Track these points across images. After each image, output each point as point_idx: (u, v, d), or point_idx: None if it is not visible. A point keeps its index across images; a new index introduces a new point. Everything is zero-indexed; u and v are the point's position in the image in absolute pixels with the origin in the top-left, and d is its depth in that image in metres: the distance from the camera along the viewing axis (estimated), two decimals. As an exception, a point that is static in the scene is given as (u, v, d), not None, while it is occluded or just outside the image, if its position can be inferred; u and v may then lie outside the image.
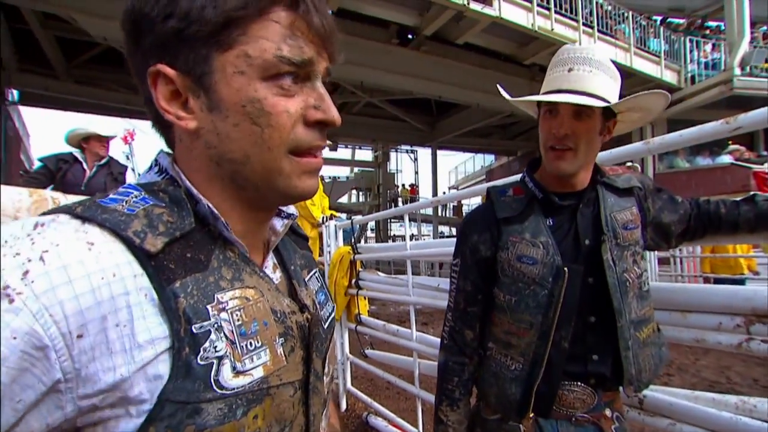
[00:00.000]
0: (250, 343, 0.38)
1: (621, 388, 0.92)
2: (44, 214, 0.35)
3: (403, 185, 17.72)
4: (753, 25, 9.34)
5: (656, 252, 4.20)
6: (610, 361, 0.86)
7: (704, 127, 0.97)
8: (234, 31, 0.38)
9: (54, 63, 8.34)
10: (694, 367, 3.84)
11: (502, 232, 0.90)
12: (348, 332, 2.91)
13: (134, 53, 0.40)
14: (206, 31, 0.37)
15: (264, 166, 0.40)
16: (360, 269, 2.79)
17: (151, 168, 0.44)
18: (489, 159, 19.19)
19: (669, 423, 1.06)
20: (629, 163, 1.22)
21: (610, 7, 8.75)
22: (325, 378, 0.50)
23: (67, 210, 0.35)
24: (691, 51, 9.74)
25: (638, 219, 0.91)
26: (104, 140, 3.02)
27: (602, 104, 0.81)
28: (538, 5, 7.42)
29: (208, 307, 0.36)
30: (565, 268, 0.83)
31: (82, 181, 2.94)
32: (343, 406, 2.88)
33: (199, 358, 0.34)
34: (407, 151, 17.56)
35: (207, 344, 0.35)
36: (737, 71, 8.71)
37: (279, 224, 0.49)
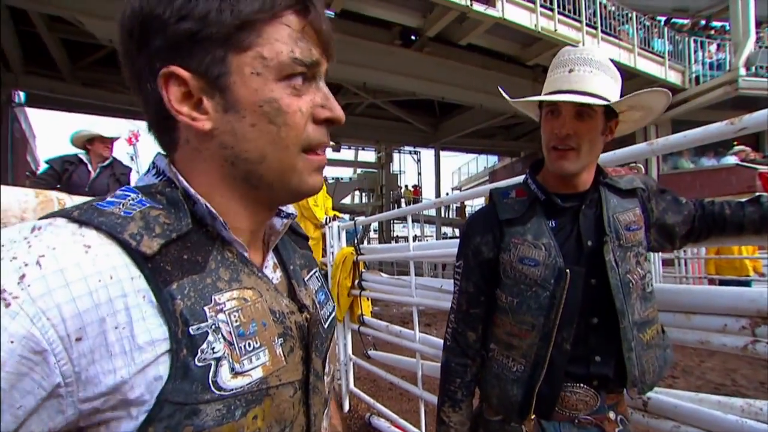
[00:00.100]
0: (249, 344, 0.38)
1: (625, 391, 0.91)
2: (42, 218, 0.35)
3: (406, 186, 17.73)
4: (758, 25, 9.27)
5: (660, 253, 4.18)
6: (613, 362, 0.85)
7: (709, 128, 0.97)
8: (250, 34, 0.38)
9: (60, 65, 8.41)
10: (699, 369, 3.81)
11: (505, 234, 0.90)
12: (351, 333, 2.92)
13: (137, 55, 0.40)
14: (223, 34, 0.38)
15: (280, 165, 0.41)
16: (363, 270, 2.79)
17: (148, 170, 0.44)
18: (492, 160, 19.16)
19: (673, 425, 1.06)
20: (632, 164, 1.22)
21: (613, 8, 8.72)
22: (325, 378, 0.50)
23: (64, 214, 0.35)
24: (695, 51, 9.69)
25: (641, 220, 0.91)
26: (108, 142, 3.05)
27: (603, 103, 0.81)
28: (542, 6, 7.41)
29: (206, 308, 0.36)
30: (567, 270, 0.83)
31: (87, 183, 2.96)
32: (346, 407, 2.88)
33: (196, 359, 0.35)
34: (410, 152, 17.57)
35: (204, 346, 0.35)
36: (742, 72, 8.65)
37: (279, 224, 0.50)
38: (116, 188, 0.41)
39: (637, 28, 8.94)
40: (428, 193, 18.22)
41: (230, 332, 0.37)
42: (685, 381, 3.48)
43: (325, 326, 0.51)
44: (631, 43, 8.76)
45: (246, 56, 0.39)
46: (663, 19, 10.84)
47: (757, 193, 0.99)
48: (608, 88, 0.83)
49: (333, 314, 0.55)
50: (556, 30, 7.60)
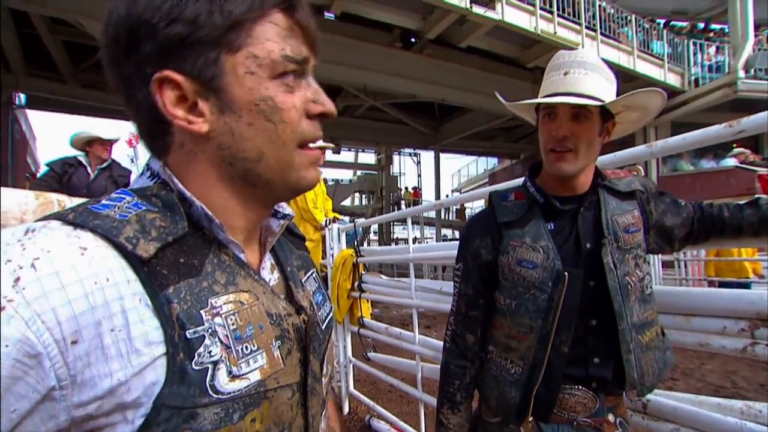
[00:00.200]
0: (246, 347, 0.38)
1: (624, 393, 0.91)
2: (36, 221, 0.35)
3: (406, 188, 17.75)
4: (757, 27, 9.30)
5: (660, 255, 4.18)
6: (612, 364, 0.85)
7: (707, 131, 0.97)
8: (240, 34, 0.39)
9: (61, 67, 8.44)
10: (699, 371, 3.81)
11: (503, 237, 0.90)
12: (351, 335, 2.91)
13: (125, 62, 0.39)
14: (214, 35, 0.38)
15: (278, 161, 0.42)
16: (363, 272, 2.79)
17: (143, 173, 0.44)
18: (492, 162, 19.18)
19: (673, 428, 1.05)
20: (631, 166, 1.22)
21: (612, 11, 8.75)
22: (323, 379, 0.50)
23: (59, 216, 0.35)
24: (694, 54, 9.72)
25: (640, 222, 0.91)
26: (107, 143, 3.06)
27: (598, 103, 0.82)
28: (541, 9, 7.44)
29: (202, 312, 0.36)
30: (565, 273, 0.83)
31: (86, 185, 2.98)
32: (346, 409, 2.87)
33: (193, 363, 0.34)
34: (410, 154, 17.59)
35: (201, 349, 0.35)
36: (741, 74, 8.68)
37: (275, 224, 0.49)
38: (113, 190, 0.40)
39: (636, 31, 8.97)
40: (428, 195, 18.26)
41: (227, 335, 0.37)
42: (685, 383, 3.47)
43: (323, 327, 0.51)
44: (631, 46, 8.79)
45: (238, 56, 0.39)
46: (662, 21, 10.88)
47: (756, 196, 0.99)
48: (603, 89, 0.84)
49: (330, 315, 0.55)
50: (555, 32, 7.63)
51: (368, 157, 17.86)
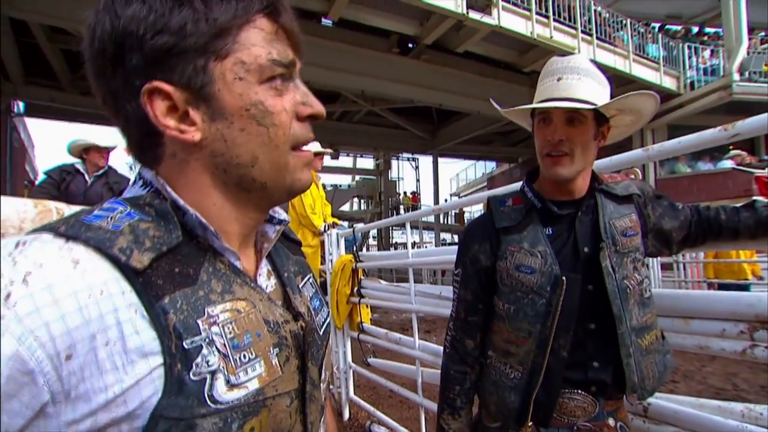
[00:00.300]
0: (244, 356, 0.38)
1: (625, 397, 0.91)
2: (27, 233, 0.34)
3: (405, 193, 17.75)
4: (750, 31, 9.39)
5: (659, 257, 4.18)
6: (611, 368, 0.85)
7: (703, 134, 0.98)
8: (226, 41, 0.39)
9: (59, 75, 8.45)
10: (699, 373, 3.79)
11: (501, 242, 0.91)
12: (350, 341, 2.90)
13: (112, 75, 0.39)
14: (201, 43, 0.38)
15: (272, 164, 0.42)
16: (362, 277, 2.79)
17: (135, 182, 0.43)
18: (490, 166, 19.23)
19: (674, 431, 1.05)
20: (628, 170, 1.23)
21: (607, 15, 8.83)
22: (321, 385, 0.50)
23: (51, 229, 0.34)
24: (689, 57, 9.80)
25: (638, 226, 0.92)
26: (103, 151, 3.07)
27: (591, 107, 0.83)
28: (537, 14, 7.50)
29: (199, 321, 0.36)
30: (563, 278, 0.83)
31: (83, 192, 2.98)
32: (346, 415, 2.85)
33: (191, 373, 0.34)
34: (408, 159, 17.62)
35: (199, 359, 0.35)
36: (736, 77, 8.74)
37: (271, 231, 0.49)
38: (110, 197, 0.40)
39: (631, 35, 9.05)
40: (427, 199, 18.25)
41: (224, 344, 0.37)
42: (686, 385, 3.46)
43: (321, 333, 0.51)
44: (626, 50, 8.86)
45: (226, 63, 0.39)
46: (657, 25, 10.97)
47: (753, 198, 1.00)
48: (596, 93, 0.86)
49: (327, 320, 0.55)
50: (551, 37, 7.68)
51: (367, 162, 17.91)
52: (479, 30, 7.22)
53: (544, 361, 0.83)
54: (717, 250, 4.44)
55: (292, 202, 3.58)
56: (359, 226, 3.04)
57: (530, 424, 0.86)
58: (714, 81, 9.27)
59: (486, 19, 6.90)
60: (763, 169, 8.21)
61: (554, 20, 7.75)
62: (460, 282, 0.97)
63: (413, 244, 2.78)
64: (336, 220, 3.86)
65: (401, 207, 16.68)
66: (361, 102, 10.75)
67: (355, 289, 2.75)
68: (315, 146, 3.59)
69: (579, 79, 0.85)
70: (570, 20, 8.06)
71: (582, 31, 8.17)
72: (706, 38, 11.07)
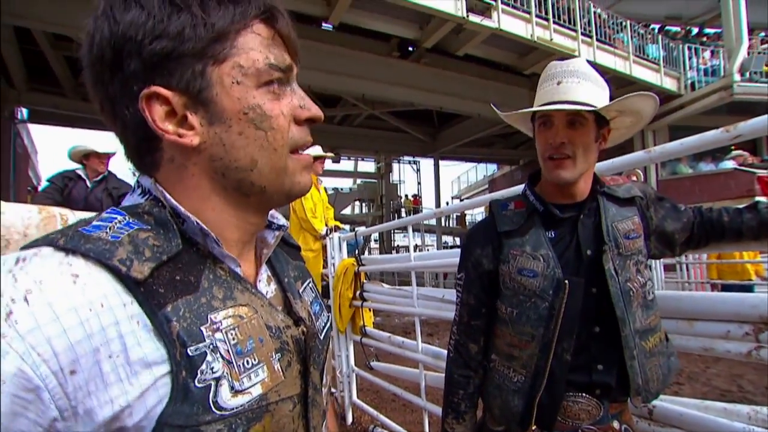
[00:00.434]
0: (247, 362, 0.38)
1: (629, 400, 0.91)
2: (25, 247, 0.34)
3: (406, 196, 17.76)
4: (751, 31, 9.38)
5: (662, 258, 4.17)
6: (615, 371, 0.85)
7: (705, 136, 0.98)
8: (224, 45, 0.39)
9: (63, 81, 8.50)
10: (704, 375, 3.77)
11: (504, 246, 0.91)
12: (353, 344, 2.90)
13: (110, 81, 0.39)
14: (199, 48, 0.38)
15: (271, 168, 0.42)
16: (364, 281, 2.79)
17: (134, 190, 0.44)
18: (491, 168, 19.20)
19: (679, 434, 1.05)
20: (631, 171, 1.23)
21: (607, 17, 8.84)
22: (323, 389, 0.50)
23: (50, 242, 0.34)
24: (690, 58, 9.79)
25: (640, 228, 0.91)
26: (102, 157, 3.10)
27: (591, 109, 0.84)
28: (537, 16, 7.51)
29: (202, 328, 0.36)
30: (566, 281, 0.83)
31: (83, 197, 3.01)
32: (349, 419, 2.84)
33: (196, 380, 0.34)
34: (409, 162, 17.63)
35: (204, 366, 0.35)
36: (737, 77, 8.73)
37: (270, 236, 0.49)
38: (109, 202, 0.40)
39: (631, 36, 9.05)
40: (428, 202, 18.25)
41: (228, 351, 0.37)
42: (691, 387, 3.44)
43: (321, 338, 0.51)
44: (626, 51, 8.85)
45: (224, 67, 0.40)
46: (656, 26, 10.98)
47: (756, 199, 1.00)
48: (596, 96, 0.86)
49: (328, 325, 0.55)
50: (551, 39, 7.69)
51: (368, 166, 17.90)
52: (479, 33, 7.24)
53: (547, 365, 0.83)
54: (721, 251, 4.42)
55: (293, 206, 3.59)
56: (361, 229, 3.04)
57: (534, 427, 0.85)
58: (715, 81, 9.25)
59: (486, 22, 6.92)
60: (766, 169, 8.18)
61: (554, 22, 7.76)
62: (462, 286, 0.97)
63: (415, 248, 2.78)
64: (338, 223, 3.87)
65: (403, 210, 16.68)
66: (361, 106, 10.77)
67: (358, 292, 2.75)
68: (316, 150, 3.60)
69: (578, 82, 0.86)
70: (570, 22, 8.07)
71: (582, 33, 8.17)
72: (706, 39, 11.06)
